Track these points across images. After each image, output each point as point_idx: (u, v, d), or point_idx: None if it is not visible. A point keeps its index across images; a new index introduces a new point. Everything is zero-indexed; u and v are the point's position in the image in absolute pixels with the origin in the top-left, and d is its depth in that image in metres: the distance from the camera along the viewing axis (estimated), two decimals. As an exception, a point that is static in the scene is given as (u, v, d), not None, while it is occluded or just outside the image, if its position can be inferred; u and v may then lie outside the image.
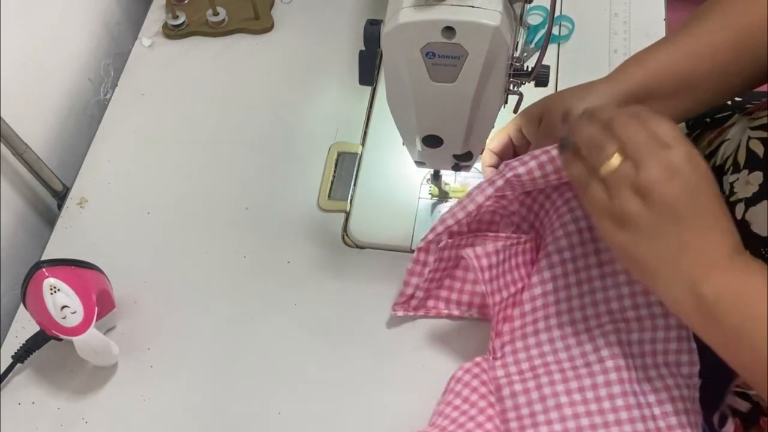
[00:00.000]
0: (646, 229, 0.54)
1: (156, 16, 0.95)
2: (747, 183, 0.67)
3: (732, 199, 0.69)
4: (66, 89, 0.89)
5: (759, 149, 0.67)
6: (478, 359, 0.66)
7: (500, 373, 0.64)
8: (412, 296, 0.69)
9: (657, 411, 0.61)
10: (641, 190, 0.53)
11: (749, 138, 0.68)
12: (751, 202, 0.66)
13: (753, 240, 0.65)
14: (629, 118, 0.55)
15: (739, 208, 0.67)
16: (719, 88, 0.68)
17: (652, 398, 0.62)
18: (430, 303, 0.70)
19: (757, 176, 0.66)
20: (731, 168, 0.70)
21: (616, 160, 0.54)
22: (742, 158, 0.68)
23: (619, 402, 0.61)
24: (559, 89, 0.83)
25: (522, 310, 0.66)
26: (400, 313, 0.70)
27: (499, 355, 0.66)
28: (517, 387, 0.63)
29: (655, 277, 0.55)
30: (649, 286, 0.58)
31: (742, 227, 0.66)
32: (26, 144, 0.78)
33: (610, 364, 0.62)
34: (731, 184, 0.69)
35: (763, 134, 0.67)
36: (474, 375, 0.64)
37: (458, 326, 0.70)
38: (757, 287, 0.52)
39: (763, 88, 0.77)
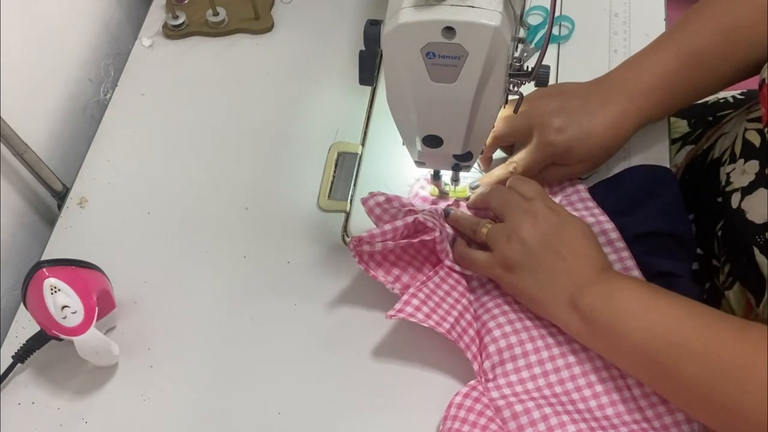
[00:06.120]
0: (526, 266, 0.64)
1: (156, 16, 0.95)
2: (743, 172, 0.68)
3: (728, 189, 0.69)
4: (66, 89, 0.89)
5: (755, 139, 0.68)
6: (472, 383, 0.65)
7: (495, 394, 0.63)
8: (371, 242, 0.67)
9: (656, 424, 0.61)
10: (513, 235, 0.64)
11: (746, 129, 0.69)
12: (746, 191, 0.67)
13: (748, 228, 0.66)
14: (499, 189, 0.69)
15: (735, 198, 0.68)
16: (708, 87, 0.72)
17: (650, 413, 0.62)
18: (372, 264, 0.69)
19: (754, 165, 0.67)
20: (728, 159, 0.71)
21: (486, 227, 0.67)
22: (738, 149, 0.69)
23: (615, 421, 0.62)
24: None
25: (493, 336, 0.66)
26: (350, 247, 0.67)
27: (491, 376, 0.65)
28: (518, 408, 0.62)
29: (545, 306, 0.64)
30: (544, 316, 0.65)
31: (737, 216, 0.67)
32: (26, 144, 0.78)
33: (599, 388, 0.63)
34: (727, 174, 0.70)
35: (759, 125, 0.68)
36: (475, 399, 0.63)
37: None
38: (622, 291, 0.60)
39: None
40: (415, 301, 0.65)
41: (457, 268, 0.69)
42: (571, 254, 0.63)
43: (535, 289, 0.64)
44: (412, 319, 0.64)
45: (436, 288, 0.67)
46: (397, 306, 0.65)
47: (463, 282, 0.69)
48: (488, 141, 0.73)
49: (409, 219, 0.67)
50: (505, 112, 0.71)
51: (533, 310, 0.66)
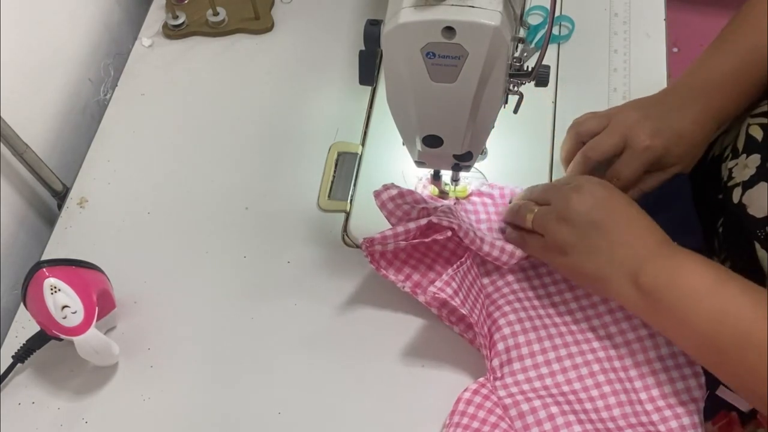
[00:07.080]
0: (579, 246, 0.62)
1: (156, 16, 0.95)
2: (745, 167, 0.68)
3: (729, 183, 0.70)
4: (66, 89, 0.89)
5: (758, 134, 0.68)
6: (481, 380, 0.65)
7: (502, 393, 0.63)
8: (383, 243, 0.67)
9: (662, 428, 0.61)
10: (560, 215, 0.63)
11: (749, 125, 0.70)
12: (748, 185, 0.67)
13: (749, 222, 0.66)
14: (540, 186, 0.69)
15: (736, 192, 0.68)
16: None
17: (656, 417, 0.62)
18: (383, 263, 0.69)
19: (755, 159, 0.67)
20: (730, 155, 0.71)
21: (531, 212, 0.66)
22: (741, 144, 0.70)
23: (621, 423, 0.62)
24: (559, 89, 0.84)
25: (503, 334, 0.66)
26: (363, 248, 0.68)
27: (499, 374, 0.65)
28: (524, 407, 0.62)
29: (603, 284, 0.62)
30: (603, 294, 0.65)
31: (739, 210, 0.67)
32: (26, 144, 0.78)
33: (607, 388, 0.63)
34: (729, 169, 0.70)
35: (763, 120, 0.68)
36: (484, 396, 0.63)
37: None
38: (686, 270, 0.59)
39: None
40: (454, 284, 0.64)
41: (495, 252, 0.68)
42: (626, 226, 0.61)
43: (593, 268, 0.62)
44: (452, 302, 0.63)
45: (464, 277, 0.66)
46: (438, 284, 0.63)
47: (480, 278, 0.69)
48: (581, 167, 0.72)
49: (423, 221, 0.67)
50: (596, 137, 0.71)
51: (593, 290, 0.66)
